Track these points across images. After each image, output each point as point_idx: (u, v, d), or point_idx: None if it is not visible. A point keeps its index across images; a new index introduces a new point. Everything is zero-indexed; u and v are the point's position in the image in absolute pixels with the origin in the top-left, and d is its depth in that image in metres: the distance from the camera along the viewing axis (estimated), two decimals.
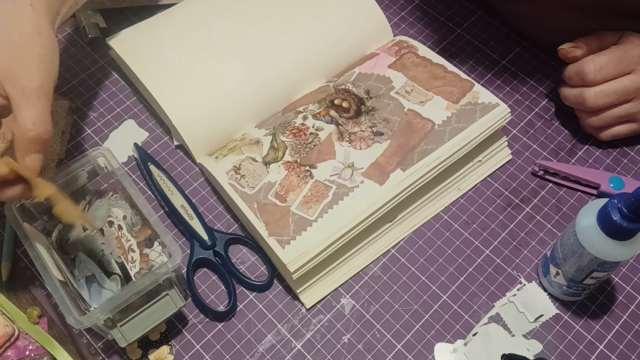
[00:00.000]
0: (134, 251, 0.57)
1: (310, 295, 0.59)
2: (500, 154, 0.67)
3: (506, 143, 0.67)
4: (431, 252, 0.62)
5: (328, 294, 0.59)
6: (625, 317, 0.59)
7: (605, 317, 0.59)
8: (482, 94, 0.64)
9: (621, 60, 0.61)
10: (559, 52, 0.64)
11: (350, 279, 0.60)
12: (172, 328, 0.58)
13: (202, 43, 0.67)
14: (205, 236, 0.60)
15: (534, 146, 0.68)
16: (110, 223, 0.59)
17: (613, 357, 0.57)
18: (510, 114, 0.63)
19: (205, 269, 0.61)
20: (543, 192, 0.65)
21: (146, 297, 0.53)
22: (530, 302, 0.59)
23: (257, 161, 0.61)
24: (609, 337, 0.58)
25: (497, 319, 0.58)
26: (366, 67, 0.68)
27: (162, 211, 0.63)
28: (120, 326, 0.53)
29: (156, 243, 0.59)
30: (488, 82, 0.72)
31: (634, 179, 0.66)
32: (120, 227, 0.58)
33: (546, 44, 0.73)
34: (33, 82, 0.47)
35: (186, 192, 0.64)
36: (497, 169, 0.66)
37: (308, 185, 0.59)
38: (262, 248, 0.61)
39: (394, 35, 0.73)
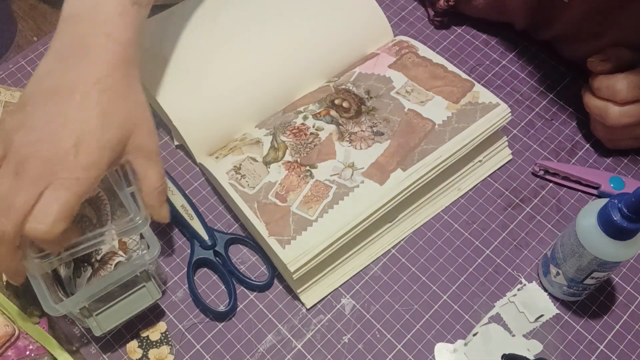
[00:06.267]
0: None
1: (310, 295, 0.59)
2: (500, 154, 0.67)
3: (506, 143, 0.67)
4: (431, 252, 0.62)
5: (328, 294, 0.59)
6: (625, 317, 0.59)
7: (605, 317, 0.59)
8: (482, 93, 0.64)
9: None
10: (588, 64, 0.63)
11: (350, 279, 0.60)
12: (173, 328, 0.58)
13: (202, 43, 0.67)
14: (205, 236, 0.60)
15: (535, 146, 0.68)
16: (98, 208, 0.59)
17: (613, 357, 0.57)
18: (510, 114, 0.63)
19: (205, 269, 0.61)
20: (543, 192, 0.65)
21: (123, 288, 0.54)
22: (531, 302, 0.59)
23: (257, 161, 0.61)
24: (609, 337, 0.58)
25: (498, 319, 0.58)
26: (366, 67, 0.68)
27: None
28: (96, 315, 0.53)
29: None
30: (488, 82, 0.72)
31: (634, 179, 0.66)
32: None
33: (547, 42, 0.73)
34: (154, 144, 0.52)
35: (186, 192, 0.64)
36: (497, 169, 0.66)
37: (308, 185, 0.59)
38: (262, 248, 0.61)
39: (395, 35, 0.73)
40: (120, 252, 0.57)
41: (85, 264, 0.57)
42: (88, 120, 0.47)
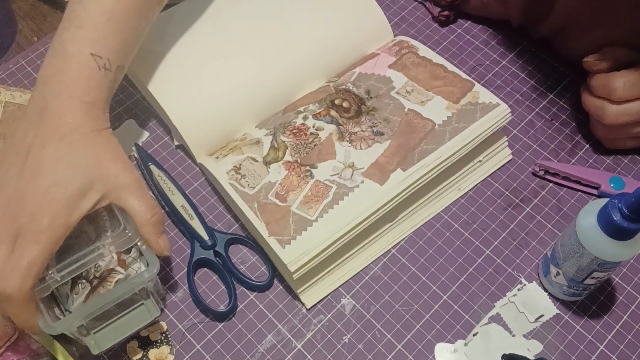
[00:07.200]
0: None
1: (310, 295, 0.59)
2: (500, 154, 0.67)
3: (506, 143, 0.67)
4: (431, 252, 0.62)
5: (328, 294, 0.59)
6: (625, 317, 0.59)
7: (605, 317, 0.59)
8: (482, 93, 0.64)
9: None
10: (584, 64, 0.63)
11: (350, 279, 0.60)
12: (173, 328, 0.58)
13: (202, 43, 0.67)
14: (205, 236, 0.60)
15: (535, 146, 0.68)
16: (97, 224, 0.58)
17: (613, 357, 0.57)
18: (510, 114, 0.63)
19: (205, 269, 0.61)
20: (543, 192, 0.65)
21: (121, 306, 0.53)
22: (531, 302, 0.59)
23: (257, 161, 0.61)
24: (610, 337, 0.58)
25: (498, 319, 0.58)
26: (366, 67, 0.68)
27: (162, 211, 0.63)
28: (94, 333, 0.53)
29: (133, 249, 0.58)
30: (488, 82, 0.72)
31: (634, 179, 0.66)
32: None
33: (545, 39, 0.73)
34: (132, 178, 0.53)
35: (187, 192, 0.64)
36: (497, 169, 0.66)
37: (308, 185, 0.59)
38: (262, 248, 0.61)
39: (395, 35, 0.73)
40: (119, 269, 0.57)
41: (84, 281, 0.57)
42: (55, 172, 0.50)
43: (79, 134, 0.52)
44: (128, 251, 0.57)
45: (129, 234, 0.53)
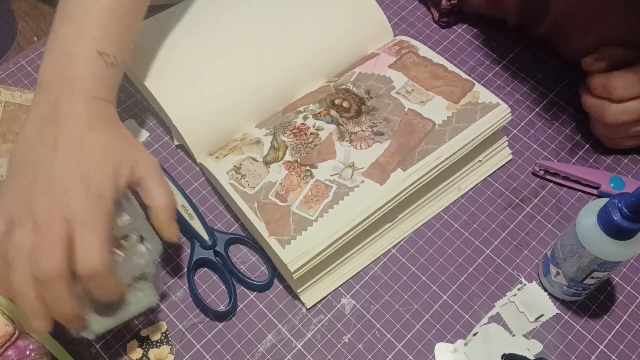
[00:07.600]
0: None
1: (310, 295, 0.59)
2: (500, 154, 0.67)
3: (507, 143, 0.67)
4: (431, 252, 0.62)
5: (328, 294, 0.59)
6: (625, 317, 0.59)
7: (605, 317, 0.59)
8: (482, 93, 0.64)
9: None
10: (583, 64, 0.63)
11: (350, 278, 0.60)
12: (173, 328, 0.58)
13: (202, 43, 0.67)
14: (205, 236, 0.60)
15: (535, 146, 0.68)
16: None
17: (613, 357, 0.57)
18: (510, 113, 0.63)
19: (205, 268, 0.61)
20: (543, 192, 0.65)
21: None
22: (531, 302, 0.59)
23: (257, 161, 0.61)
24: (610, 337, 0.58)
25: (498, 319, 0.58)
26: (367, 67, 0.68)
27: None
28: (89, 318, 0.52)
29: (133, 234, 0.57)
30: (488, 82, 0.72)
31: (634, 179, 0.66)
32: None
33: (543, 39, 0.73)
34: (153, 161, 0.54)
35: (187, 192, 0.64)
36: (497, 169, 0.66)
37: (308, 185, 0.59)
38: (262, 248, 0.61)
39: (395, 35, 0.73)
40: (118, 252, 0.56)
41: None
42: (87, 156, 0.50)
43: (100, 125, 0.52)
44: (126, 236, 0.57)
45: (130, 220, 0.52)
